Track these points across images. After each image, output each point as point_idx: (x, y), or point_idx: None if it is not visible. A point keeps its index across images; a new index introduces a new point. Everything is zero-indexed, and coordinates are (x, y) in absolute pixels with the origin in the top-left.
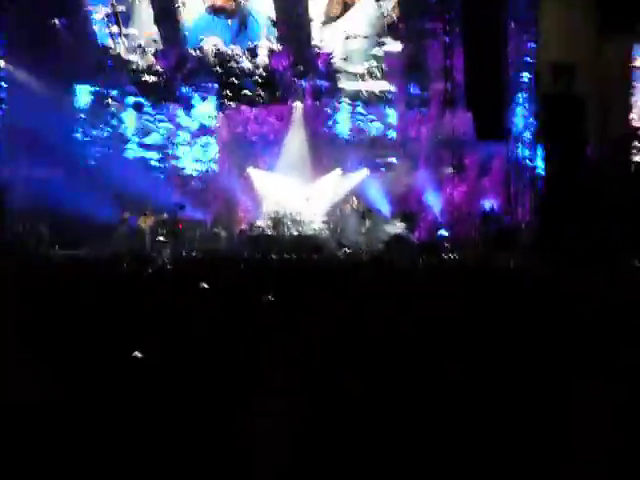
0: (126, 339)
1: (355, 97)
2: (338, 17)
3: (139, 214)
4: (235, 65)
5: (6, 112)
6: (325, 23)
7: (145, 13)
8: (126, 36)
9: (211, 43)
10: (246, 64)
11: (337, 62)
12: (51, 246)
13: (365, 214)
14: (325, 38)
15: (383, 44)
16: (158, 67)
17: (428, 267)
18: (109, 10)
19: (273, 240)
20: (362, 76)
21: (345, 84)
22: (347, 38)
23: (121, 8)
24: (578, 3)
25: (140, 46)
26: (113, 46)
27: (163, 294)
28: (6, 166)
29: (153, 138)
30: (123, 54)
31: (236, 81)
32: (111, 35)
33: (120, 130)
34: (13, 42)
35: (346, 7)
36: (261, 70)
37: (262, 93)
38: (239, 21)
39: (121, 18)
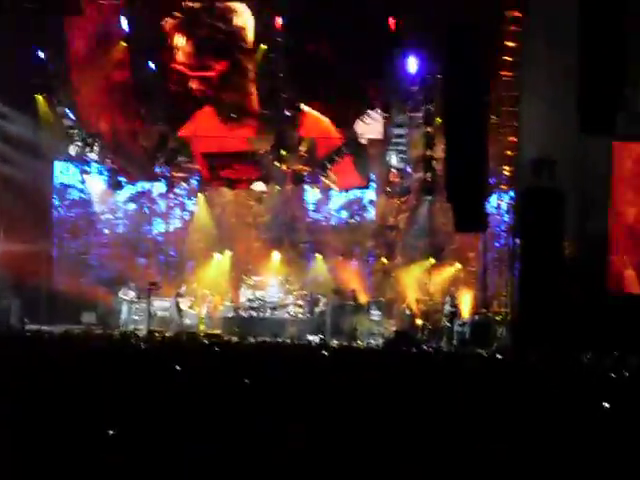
0: (97, 417)
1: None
2: None
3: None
4: None
5: None
6: None
7: None
8: None
9: None
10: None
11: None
12: (21, 320)
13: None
14: None
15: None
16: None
17: (403, 356)
18: None
19: (248, 322)
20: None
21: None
22: None
23: None
24: (559, 101)
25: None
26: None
27: (137, 375)
28: None
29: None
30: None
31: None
32: None
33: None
34: None
35: None
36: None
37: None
38: None
39: None
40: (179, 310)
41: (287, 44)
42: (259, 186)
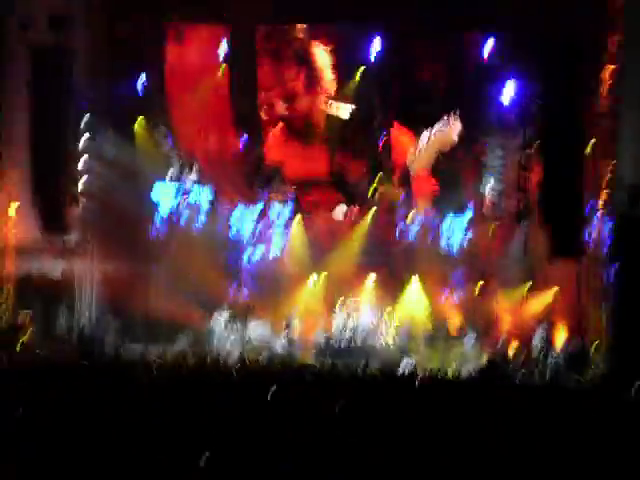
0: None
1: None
2: None
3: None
4: None
5: (86, 207)
6: None
7: None
8: None
9: None
10: None
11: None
12: (121, 339)
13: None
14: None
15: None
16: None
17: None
18: None
19: (340, 349)
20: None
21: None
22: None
23: None
24: None
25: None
26: None
27: (228, 402)
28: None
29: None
30: None
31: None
32: None
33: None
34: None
35: None
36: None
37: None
38: None
39: None
40: (289, 338)
41: (391, 69)
42: (340, 210)
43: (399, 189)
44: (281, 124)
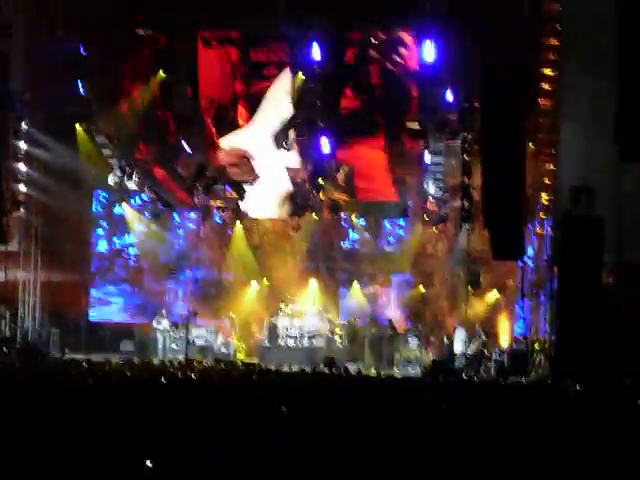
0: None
1: (372, 211)
2: None
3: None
4: None
5: (26, 214)
6: None
7: None
8: None
9: None
10: None
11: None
12: (61, 350)
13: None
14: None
15: None
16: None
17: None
18: None
19: (285, 351)
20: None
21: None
22: None
23: None
24: (598, 128)
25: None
26: None
27: (177, 404)
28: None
29: (167, 243)
30: None
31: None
32: None
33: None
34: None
35: None
36: None
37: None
38: None
39: None
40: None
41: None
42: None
43: (342, 192)
44: None
